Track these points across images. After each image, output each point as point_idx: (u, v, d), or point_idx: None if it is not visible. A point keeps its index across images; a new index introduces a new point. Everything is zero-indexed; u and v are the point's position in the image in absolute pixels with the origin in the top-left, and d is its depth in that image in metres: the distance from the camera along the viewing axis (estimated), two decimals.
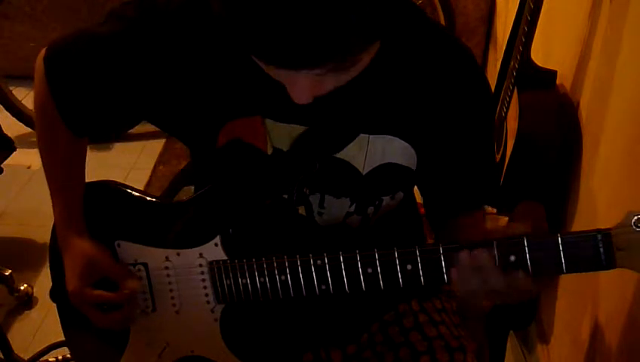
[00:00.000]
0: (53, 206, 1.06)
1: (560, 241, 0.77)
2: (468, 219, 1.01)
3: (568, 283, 1.51)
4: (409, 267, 0.85)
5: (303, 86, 0.73)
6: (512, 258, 0.80)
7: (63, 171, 1.07)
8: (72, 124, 1.02)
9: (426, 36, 0.91)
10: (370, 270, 0.87)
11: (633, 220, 0.74)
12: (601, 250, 0.76)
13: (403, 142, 0.93)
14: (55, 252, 1.08)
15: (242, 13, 0.65)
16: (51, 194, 1.07)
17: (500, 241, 0.80)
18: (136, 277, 1.04)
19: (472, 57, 0.94)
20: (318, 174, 0.95)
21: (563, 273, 0.78)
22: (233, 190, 0.98)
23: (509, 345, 1.75)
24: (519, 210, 1.46)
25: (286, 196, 0.97)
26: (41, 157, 1.07)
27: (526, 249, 0.79)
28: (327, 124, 0.92)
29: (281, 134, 0.93)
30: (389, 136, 0.93)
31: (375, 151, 0.93)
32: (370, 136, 0.92)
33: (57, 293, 1.11)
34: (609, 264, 0.76)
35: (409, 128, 0.93)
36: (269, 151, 0.94)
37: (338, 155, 0.94)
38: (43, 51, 1.01)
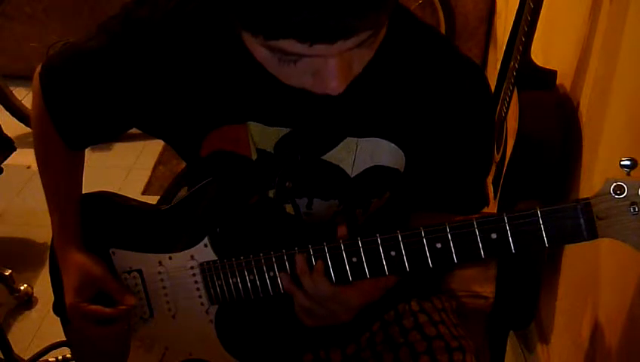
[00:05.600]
0: (52, 219, 1.07)
1: (539, 215, 0.76)
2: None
3: (568, 284, 1.51)
4: (393, 253, 0.84)
5: (334, 71, 0.72)
6: (494, 235, 0.79)
7: (60, 188, 1.08)
8: (67, 137, 1.04)
9: (416, 37, 0.91)
10: (355, 259, 0.86)
11: (612, 187, 0.73)
12: (582, 220, 0.74)
13: (392, 144, 0.93)
14: (55, 266, 1.09)
15: None
16: (49, 210, 1.08)
17: (479, 220, 0.80)
18: (133, 293, 1.04)
19: (468, 59, 0.94)
20: (304, 173, 0.95)
21: (546, 247, 0.77)
22: (219, 191, 0.98)
23: (509, 345, 1.75)
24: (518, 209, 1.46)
25: (272, 195, 0.97)
26: (40, 174, 1.08)
27: (506, 225, 0.78)
28: (313, 126, 0.93)
29: (269, 137, 0.93)
30: (378, 139, 0.92)
31: (363, 154, 0.93)
32: (359, 140, 0.92)
33: (60, 307, 1.12)
34: (590, 234, 0.75)
35: (399, 131, 0.93)
36: (254, 157, 0.94)
37: (326, 158, 0.94)
38: (39, 68, 1.02)
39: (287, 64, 0.73)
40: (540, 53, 1.61)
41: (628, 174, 0.73)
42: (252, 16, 0.67)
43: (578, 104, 1.46)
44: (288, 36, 0.66)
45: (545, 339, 1.66)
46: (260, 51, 0.73)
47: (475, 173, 1.03)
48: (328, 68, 0.71)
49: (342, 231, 0.87)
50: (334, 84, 0.73)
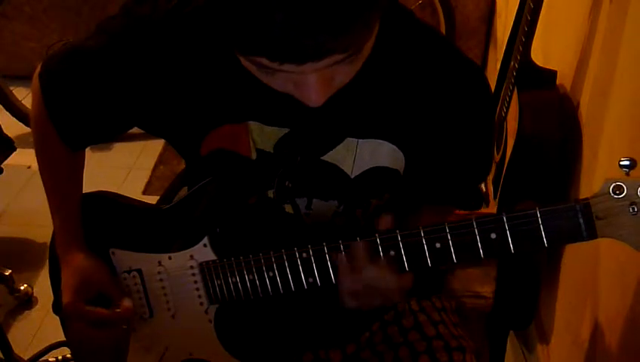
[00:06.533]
0: (53, 219, 1.07)
1: (539, 215, 0.76)
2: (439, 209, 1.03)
3: (568, 284, 1.51)
4: (392, 253, 0.84)
5: (313, 84, 0.72)
6: (493, 235, 0.79)
7: (62, 188, 1.08)
8: (67, 138, 1.04)
9: (416, 38, 0.91)
10: None
11: (611, 187, 0.73)
12: (581, 220, 0.74)
13: (392, 145, 0.93)
14: (55, 266, 1.09)
15: (246, 9, 0.65)
16: (51, 210, 1.08)
17: (479, 220, 0.79)
18: (131, 298, 1.04)
19: (469, 60, 0.94)
20: (304, 173, 0.95)
21: (545, 247, 0.77)
22: (218, 191, 0.98)
23: (509, 345, 1.75)
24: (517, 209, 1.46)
25: (271, 195, 0.97)
26: (41, 174, 1.08)
27: (506, 225, 0.78)
28: (312, 126, 0.93)
29: (269, 137, 0.93)
30: (378, 140, 0.93)
31: (364, 155, 0.93)
32: (359, 140, 0.92)
33: (60, 307, 1.12)
34: (590, 234, 0.75)
35: (399, 132, 0.93)
36: (254, 156, 0.94)
37: (326, 159, 0.94)
38: (38, 68, 1.02)
39: (267, 73, 0.73)
40: (540, 53, 1.61)
41: (627, 174, 0.73)
42: (225, 31, 0.68)
43: (578, 104, 1.46)
44: (258, 54, 0.67)
45: (545, 339, 1.66)
46: (242, 60, 0.74)
47: (475, 173, 1.03)
48: (307, 82, 0.72)
49: (387, 221, 0.86)
50: (313, 98, 0.74)
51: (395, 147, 0.93)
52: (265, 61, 0.68)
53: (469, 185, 1.05)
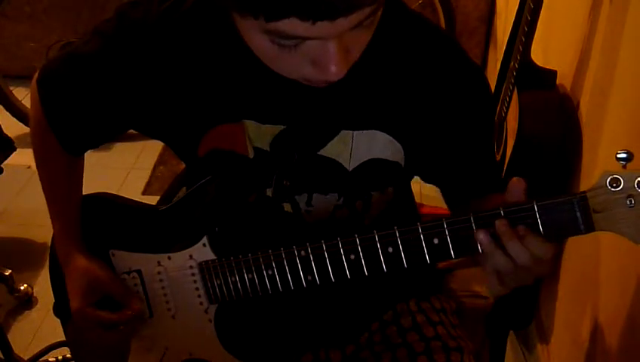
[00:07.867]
0: (53, 224, 1.07)
1: (536, 208, 0.76)
2: (480, 202, 0.99)
3: (568, 283, 1.51)
4: (390, 249, 0.84)
5: (334, 55, 0.72)
6: (491, 230, 0.78)
7: (61, 192, 1.08)
8: (66, 143, 1.04)
9: (413, 30, 0.91)
10: (352, 256, 0.86)
11: (608, 180, 0.72)
12: (578, 214, 0.74)
13: (388, 136, 0.93)
14: (55, 269, 1.09)
15: None
16: (50, 214, 1.08)
17: (476, 215, 0.79)
18: (138, 297, 1.04)
19: (468, 59, 0.94)
20: (302, 170, 0.95)
21: None
22: (217, 190, 0.98)
23: (509, 345, 1.75)
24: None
25: (270, 194, 0.97)
26: (40, 178, 1.08)
27: (503, 219, 0.77)
28: (307, 121, 0.93)
29: (265, 135, 0.93)
30: (374, 131, 0.92)
31: (360, 146, 0.93)
32: (354, 132, 0.92)
33: (60, 309, 1.12)
34: (587, 228, 0.74)
35: (395, 123, 0.93)
36: (251, 155, 0.94)
37: (323, 153, 0.94)
38: (36, 74, 1.03)
39: (288, 51, 0.73)
40: (540, 53, 1.61)
41: (624, 167, 0.73)
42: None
43: (578, 104, 1.46)
44: (290, 14, 0.66)
45: (545, 339, 1.66)
46: (258, 40, 0.73)
47: (475, 173, 1.03)
48: (328, 52, 0.71)
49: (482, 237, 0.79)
50: (334, 69, 0.73)
51: (390, 138, 0.93)
52: (294, 26, 0.67)
53: (473, 180, 1.03)
